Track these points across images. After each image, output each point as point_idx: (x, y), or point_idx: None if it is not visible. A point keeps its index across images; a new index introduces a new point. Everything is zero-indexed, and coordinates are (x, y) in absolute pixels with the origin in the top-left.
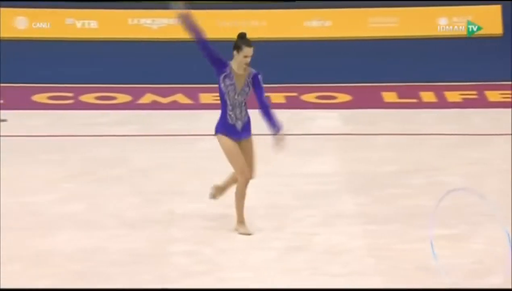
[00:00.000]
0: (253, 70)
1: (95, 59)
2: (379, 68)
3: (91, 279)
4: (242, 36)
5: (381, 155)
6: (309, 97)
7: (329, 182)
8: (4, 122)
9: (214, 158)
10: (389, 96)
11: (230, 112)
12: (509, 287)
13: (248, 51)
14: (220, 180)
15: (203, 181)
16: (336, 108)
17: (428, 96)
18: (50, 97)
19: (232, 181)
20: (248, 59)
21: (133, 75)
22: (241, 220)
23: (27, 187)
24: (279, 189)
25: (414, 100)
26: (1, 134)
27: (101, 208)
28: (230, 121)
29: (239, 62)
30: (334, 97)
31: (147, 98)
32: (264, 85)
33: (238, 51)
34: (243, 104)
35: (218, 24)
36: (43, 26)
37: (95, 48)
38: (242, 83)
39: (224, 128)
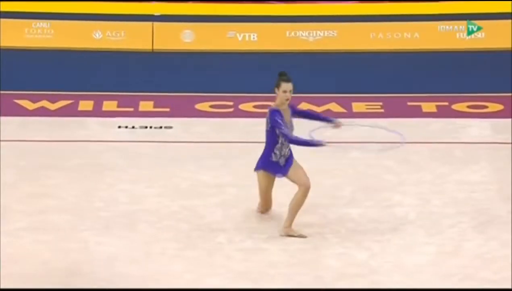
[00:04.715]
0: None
1: (253, 70)
2: None
3: (255, 279)
4: (281, 73)
5: None
6: (460, 106)
7: (481, 190)
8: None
9: (366, 165)
10: None
11: (276, 151)
12: (509, 287)
13: (285, 86)
14: (375, 187)
15: (358, 187)
16: (487, 118)
17: None
18: (212, 106)
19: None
20: (288, 94)
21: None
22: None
23: (194, 191)
24: (430, 195)
25: None
26: (169, 140)
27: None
28: (273, 158)
29: (281, 98)
30: (485, 107)
31: (302, 106)
32: (416, 95)
33: (278, 88)
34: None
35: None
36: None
37: (255, 60)
38: (288, 116)
39: (266, 165)
